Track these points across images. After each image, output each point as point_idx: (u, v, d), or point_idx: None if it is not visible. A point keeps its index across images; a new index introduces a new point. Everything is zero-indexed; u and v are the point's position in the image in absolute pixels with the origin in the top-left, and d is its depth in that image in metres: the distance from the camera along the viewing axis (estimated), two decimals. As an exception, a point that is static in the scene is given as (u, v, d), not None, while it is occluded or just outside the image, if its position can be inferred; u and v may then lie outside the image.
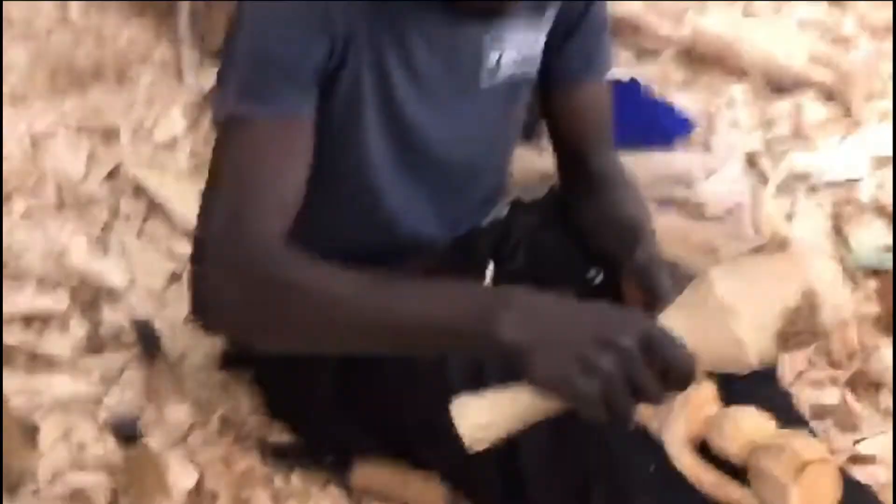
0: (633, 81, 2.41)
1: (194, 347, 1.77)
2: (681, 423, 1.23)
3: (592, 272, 1.51)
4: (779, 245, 1.13)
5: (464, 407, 1.09)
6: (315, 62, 1.23)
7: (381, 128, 1.35)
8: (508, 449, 1.28)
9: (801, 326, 1.07)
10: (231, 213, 1.18)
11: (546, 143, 1.76)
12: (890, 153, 2.40)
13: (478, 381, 1.13)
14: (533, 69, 1.47)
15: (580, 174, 1.57)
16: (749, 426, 1.21)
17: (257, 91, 1.21)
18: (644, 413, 1.26)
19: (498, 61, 1.40)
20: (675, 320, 1.08)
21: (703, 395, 1.25)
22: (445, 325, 1.07)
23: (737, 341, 1.06)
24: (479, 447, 1.09)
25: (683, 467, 1.23)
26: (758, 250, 1.09)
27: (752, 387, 1.34)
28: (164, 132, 2.31)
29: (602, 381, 0.99)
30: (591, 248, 1.50)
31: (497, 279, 1.56)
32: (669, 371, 1.02)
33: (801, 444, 1.18)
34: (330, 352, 1.21)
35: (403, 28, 1.30)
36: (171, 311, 1.87)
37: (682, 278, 1.22)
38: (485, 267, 1.57)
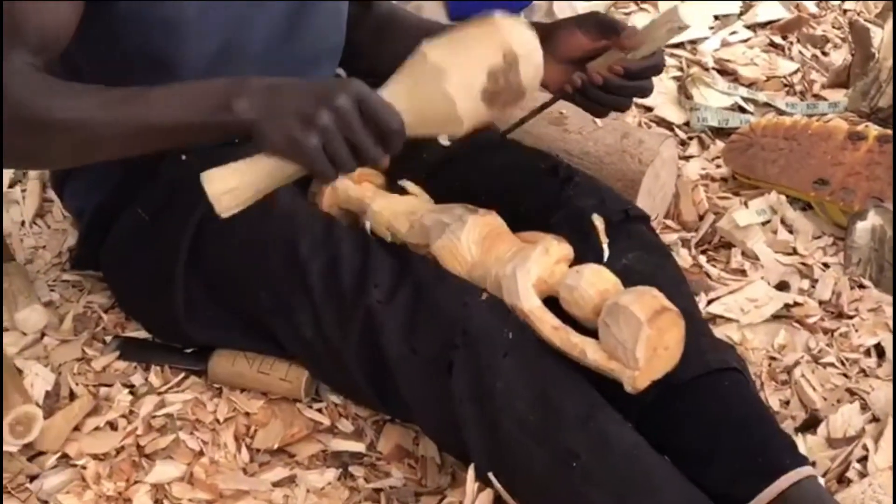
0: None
1: (42, 248, 1.72)
2: (535, 267, 1.31)
3: None
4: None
5: (211, 175, 1.19)
6: None
7: None
8: (369, 336, 1.32)
9: (503, 85, 1.20)
10: None
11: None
12: (732, 10, 2.43)
13: (331, 258, 1.32)
14: None
15: (367, 18, 1.65)
16: (602, 282, 1.30)
17: None
18: (499, 257, 1.34)
19: None
20: (395, 87, 1.21)
21: (562, 252, 1.33)
22: (192, 123, 1.21)
23: (448, 97, 1.19)
24: (227, 212, 1.20)
25: (528, 308, 1.30)
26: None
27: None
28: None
29: (321, 134, 1.14)
30: None
31: None
32: (382, 131, 1.16)
33: (661, 294, 1.25)
34: (101, 160, 1.33)
35: None
36: (15, 213, 1.82)
37: None
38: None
